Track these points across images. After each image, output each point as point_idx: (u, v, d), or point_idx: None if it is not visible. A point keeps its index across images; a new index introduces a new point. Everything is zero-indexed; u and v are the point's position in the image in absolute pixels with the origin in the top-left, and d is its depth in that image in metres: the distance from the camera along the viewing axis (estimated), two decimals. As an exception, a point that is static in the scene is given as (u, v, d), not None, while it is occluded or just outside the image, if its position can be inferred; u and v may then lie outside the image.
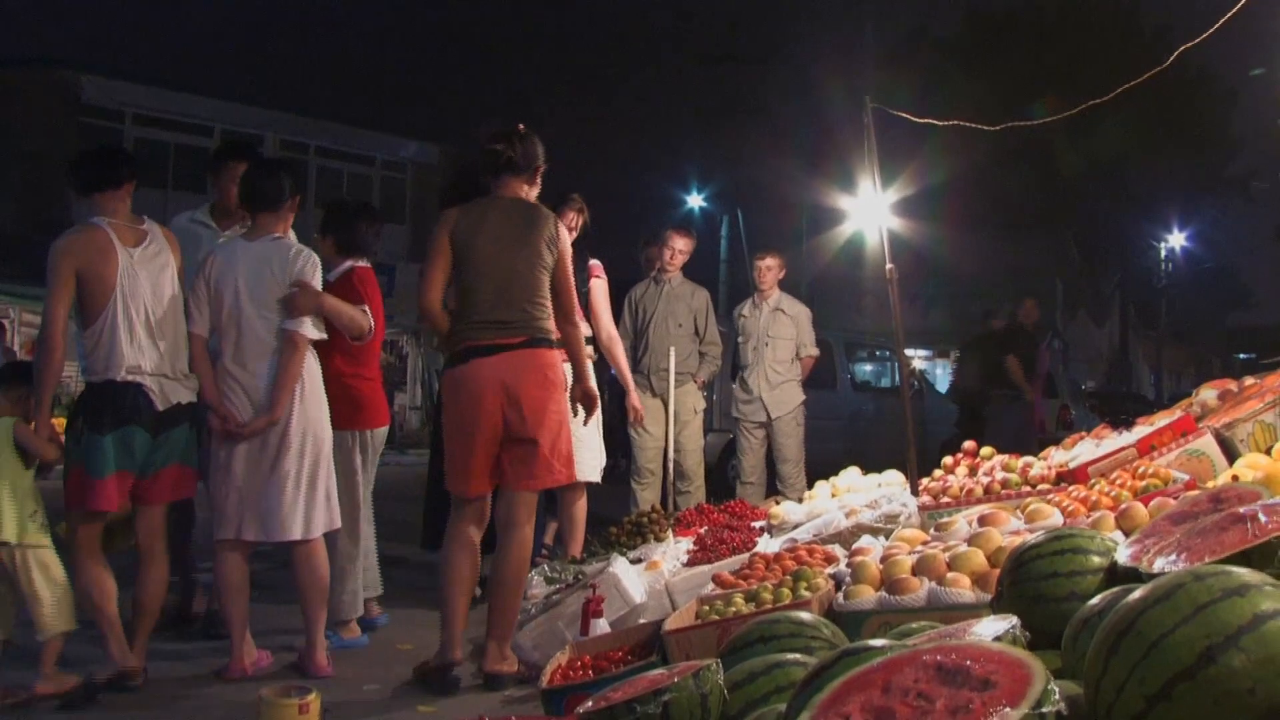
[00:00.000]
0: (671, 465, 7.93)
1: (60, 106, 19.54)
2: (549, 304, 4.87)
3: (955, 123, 5.87)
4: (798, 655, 2.69)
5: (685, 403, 8.12)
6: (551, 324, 4.88)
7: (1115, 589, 2.40)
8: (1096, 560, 2.72)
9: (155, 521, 4.81)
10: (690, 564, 5.63)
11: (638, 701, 2.47)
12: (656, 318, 7.97)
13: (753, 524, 6.28)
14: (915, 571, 3.69)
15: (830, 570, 4.34)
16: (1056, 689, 1.77)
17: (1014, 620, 2.40)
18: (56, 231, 4.79)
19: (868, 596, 3.65)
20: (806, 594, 3.83)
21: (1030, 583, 2.71)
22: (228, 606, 4.88)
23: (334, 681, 4.77)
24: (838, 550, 4.81)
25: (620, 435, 8.54)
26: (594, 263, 6.76)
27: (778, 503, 6.76)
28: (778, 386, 8.44)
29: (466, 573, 4.81)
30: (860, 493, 6.23)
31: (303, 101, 23.61)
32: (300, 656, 4.97)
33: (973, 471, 5.97)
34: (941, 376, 22.69)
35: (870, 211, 6.03)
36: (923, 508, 5.35)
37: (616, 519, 6.59)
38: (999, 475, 5.51)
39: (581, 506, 6.57)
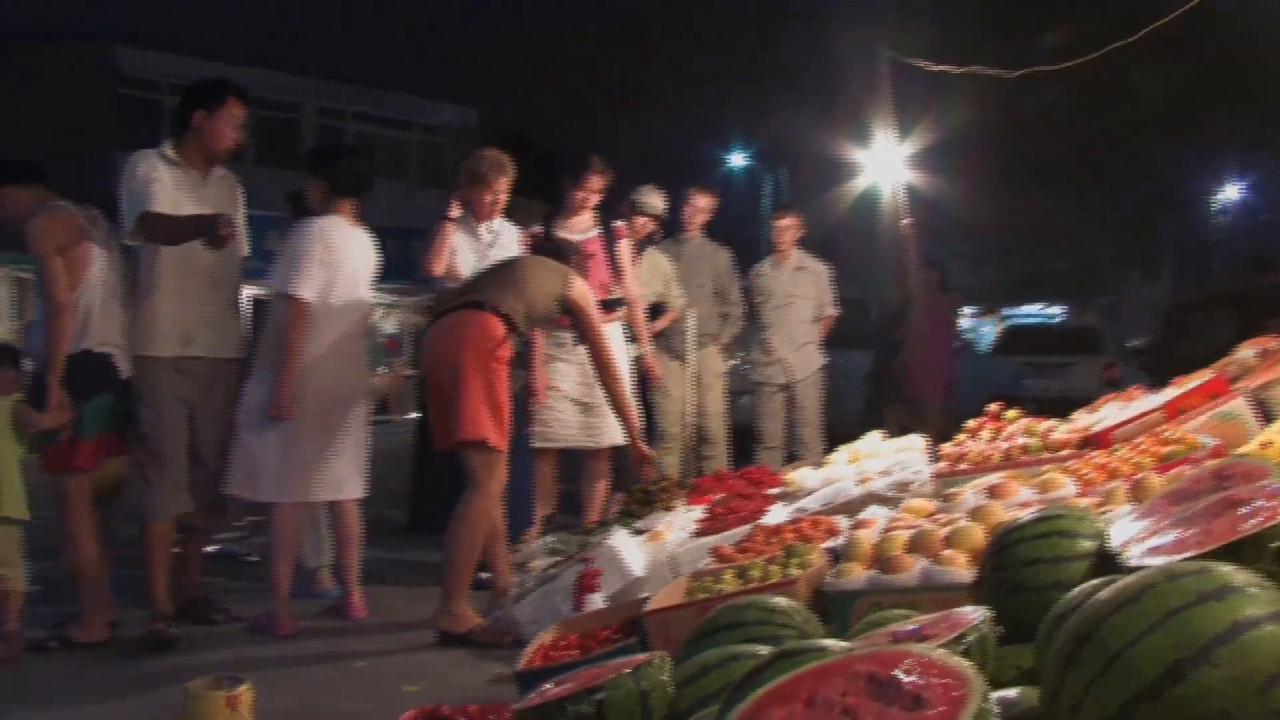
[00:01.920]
0: (693, 430, 7.71)
1: (98, 78, 19.52)
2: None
3: (972, 69, 5.54)
4: (757, 647, 2.44)
5: (708, 365, 7.88)
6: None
7: (1096, 581, 2.11)
8: (1085, 545, 2.42)
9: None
10: (699, 534, 5.39)
11: (569, 700, 2.25)
12: (677, 278, 7.70)
13: (769, 490, 6.04)
14: (910, 548, 3.42)
15: (830, 544, 4.09)
16: (995, 711, 1.51)
17: (983, 614, 2.13)
18: (98, 202, 5.21)
19: (857, 575, 3.38)
20: (796, 571, 3.57)
21: (1010, 569, 2.44)
22: (282, 566, 5.19)
23: (324, 656, 4.73)
24: (842, 522, 4.54)
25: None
26: (618, 225, 6.60)
27: (796, 468, 6.51)
28: (799, 348, 8.15)
29: None
30: (879, 458, 5.94)
31: (338, 67, 23.37)
32: (338, 604, 5.42)
33: (997, 435, 5.68)
34: (987, 335, 22.23)
35: (886, 165, 5.72)
36: (939, 475, 5.07)
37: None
38: (1019, 440, 5.22)
39: (603, 473, 6.37)
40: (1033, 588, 2.38)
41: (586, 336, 5.42)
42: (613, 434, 6.21)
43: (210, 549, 6.15)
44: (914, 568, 3.29)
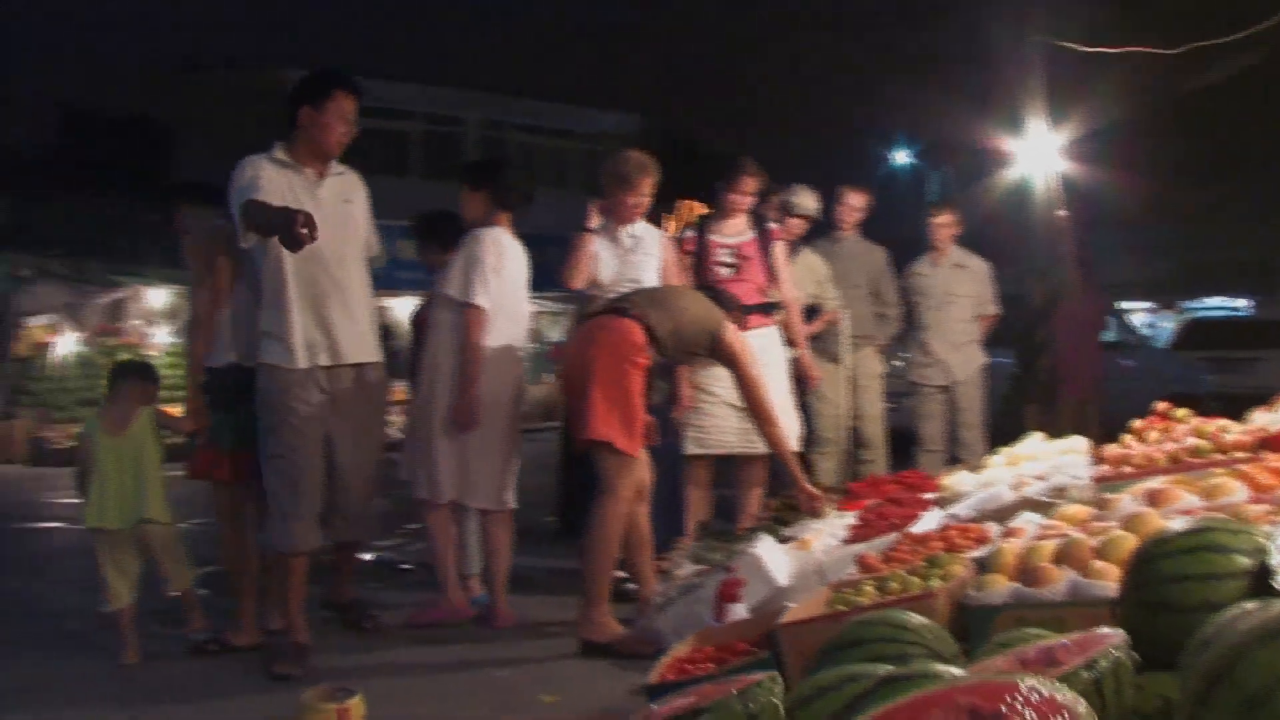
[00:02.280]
0: (849, 433, 7.52)
1: (271, 101, 20.16)
2: None
3: (1129, 49, 5.22)
4: (879, 667, 2.29)
5: (864, 367, 7.70)
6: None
7: (1248, 605, 1.90)
8: (1241, 561, 2.19)
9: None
10: (849, 541, 5.22)
11: (674, 722, 2.15)
12: (831, 278, 7.53)
13: (925, 496, 5.82)
14: (1058, 559, 3.21)
15: (978, 553, 3.88)
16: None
17: (1119, 637, 1.95)
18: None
19: (1000, 588, 3.18)
20: (937, 583, 3.39)
21: (1154, 586, 2.23)
22: (445, 562, 5.45)
23: (466, 663, 4.74)
24: (994, 530, 4.32)
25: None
26: (773, 226, 6.47)
27: (952, 473, 6.27)
28: (960, 348, 7.87)
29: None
30: (1040, 461, 5.66)
31: (499, 80, 23.72)
32: (485, 612, 5.42)
33: (1165, 437, 5.35)
34: (1164, 330, 21.18)
35: (1040, 155, 5.44)
36: (1099, 479, 4.77)
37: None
38: (1188, 441, 4.88)
39: (759, 479, 6.25)
40: (1178, 608, 2.17)
41: (742, 385, 5.31)
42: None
43: (367, 556, 6.26)
44: (1060, 580, 3.08)
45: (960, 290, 7.90)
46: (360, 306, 4.91)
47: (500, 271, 5.32)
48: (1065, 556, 3.19)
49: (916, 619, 2.62)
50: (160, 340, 15.63)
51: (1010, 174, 5.99)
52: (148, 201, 18.72)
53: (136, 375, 5.17)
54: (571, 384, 5.03)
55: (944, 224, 7.87)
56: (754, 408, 5.34)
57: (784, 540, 5.21)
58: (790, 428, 6.00)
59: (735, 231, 6.36)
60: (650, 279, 5.81)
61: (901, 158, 25.05)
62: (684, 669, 3.70)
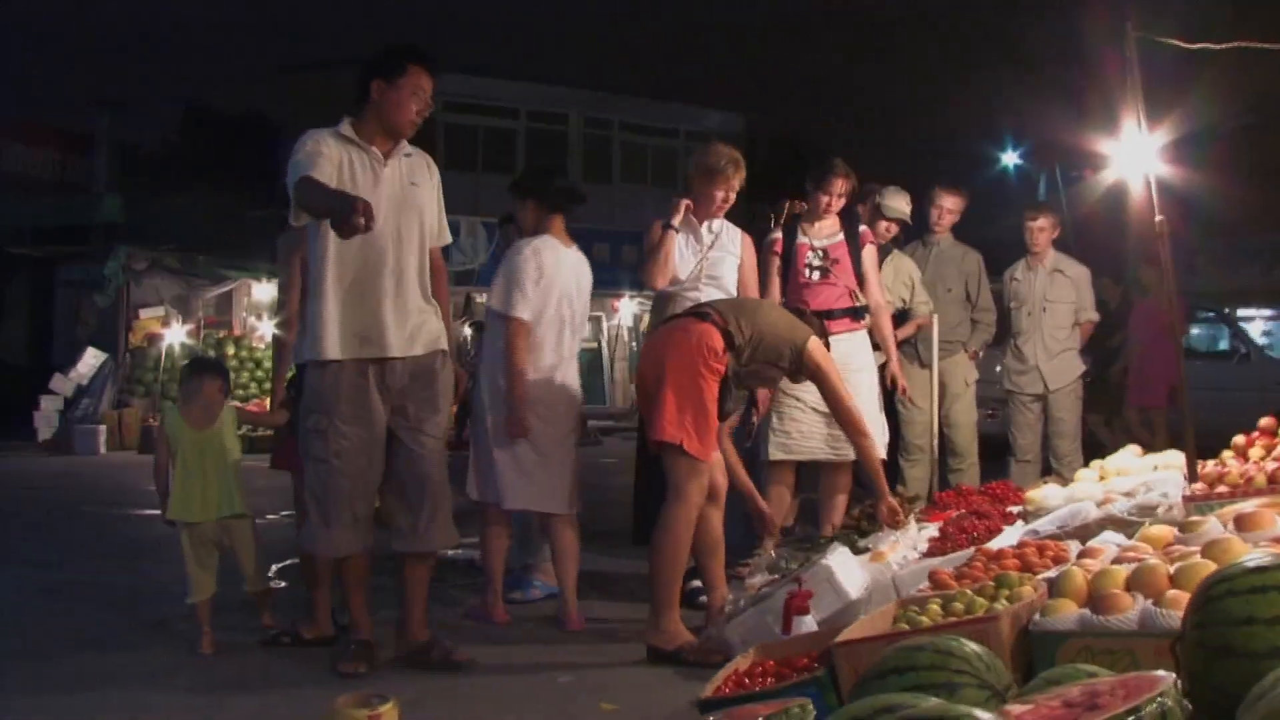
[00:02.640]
0: (935, 441, 7.32)
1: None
2: None
3: (1236, 44, 4.96)
4: (921, 698, 2.17)
5: (955, 374, 7.48)
6: None
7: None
8: (1317, 607, 2.02)
9: None
10: (928, 554, 5.07)
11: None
12: (924, 282, 7.34)
13: (1011, 509, 5.63)
14: (1130, 585, 3.04)
15: (1052, 573, 3.71)
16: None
17: (1170, 681, 1.80)
18: None
19: (1067, 614, 3.02)
20: (1001, 605, 3.24)
21: (1217, 627, 2.06)
22: (492, 561, 5.48)
23: (530, 667, 4.68)
24: (1074, 549, 4.14)
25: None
26: (864, 229, 6.34)
27: (1044, 483, 6.05)
28: (1056, 356, 7.61)
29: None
30: (1131, 475, 5.43)
31: (604, 78, 23.88)
32: (557, 615, 5.39)
33: (1268, 454, 5.09)
34: (1286, 338, 20.29)
35: (1136, 156, 5.20)
36: (1190, 499, 4.55)
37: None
38: (1289, 461, 4.64)
39: (844, 485, 6.14)
40: (1243, 653, 2.00)
41: (830, 399, 5.18)
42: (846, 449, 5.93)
43: (450, 553, 6.27)
44: (1132, 609, 2.91)
45: (1057, 296, 7.65)
46: (416, 296, 4.58)
47: (540, 281, 5.34)
48: (1139, 583, 3.02)
49: (968, 646, 2.48)
50: (265, 333, 15.95)
51: (1107, 177, 5.75)
52: (256, 197, 19.15)
53: (214, 371, 5.26)
54: (645, 386, 4.95)
55: (1041, 227, 7.61)
56: (843, 420, 5.20)
57: (860, 551, 5.09)
58: (878, 436, 5.83)
59: (825, 233, 6.24)
60: (729, 277, 5.73)
61: (1010, 159, 24.45)
62: (742, 683, 3.60)
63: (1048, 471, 7.50)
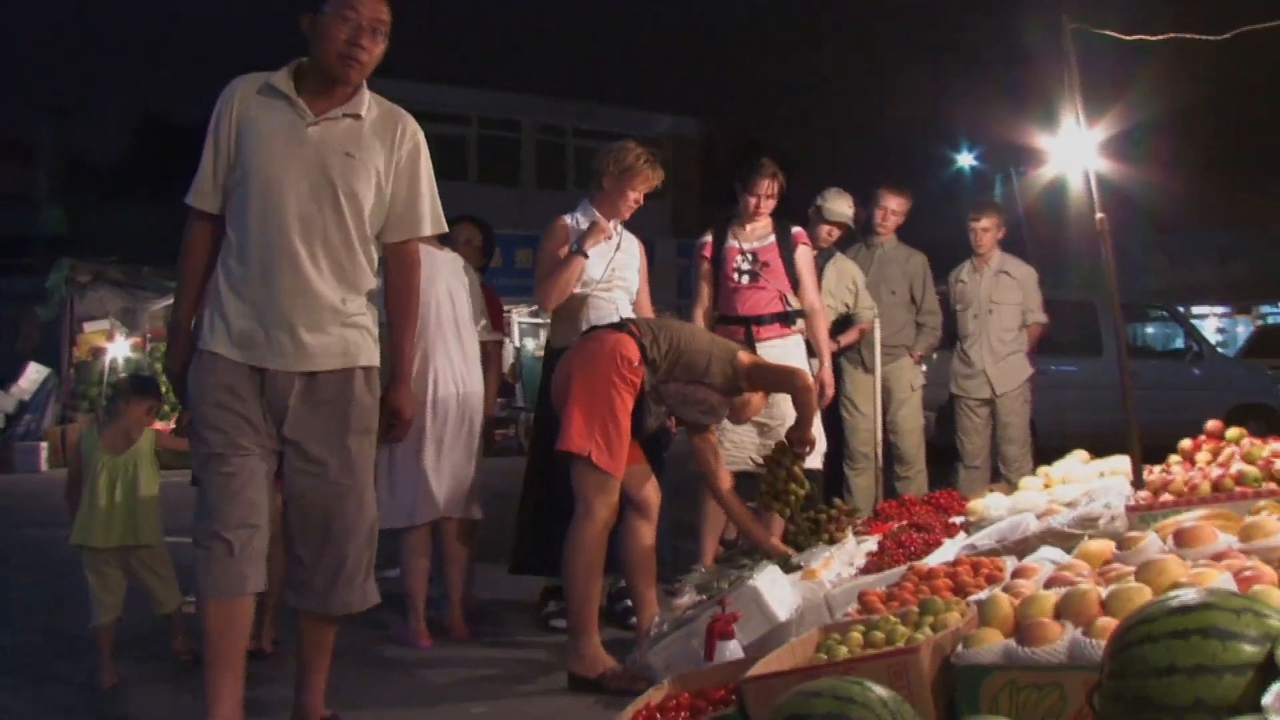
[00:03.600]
0: (883, 449, 7.08)
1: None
2: None
3: (1172, 35, 4.74)
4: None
5: (900, 378, 7.24)
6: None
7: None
8: (1246, 651, 1.75)
9: None
10: (865, 570, 4.81)
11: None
12: (867, 285, 7.10)
13: (955, 519, 5.39)
14: (1059, 612, 2.78)
15: (984, 595, 3.45)
16: None
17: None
18: None
19: (991, 645, 2.75)
20: (921, 635, 2.97)
21: (1134, 678, 1.80)
22: (455, 575, 5.32)
23: (444, 696, 4.41)
24: (1011, 565, 3.88)
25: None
26: (797, 230, 6.06)
27: (989, 492, 5.81)
28: (1004, 359, 7.37)
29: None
30: (1077, 484, 5.20)
31: (557, 83, 23.64)
32: (441, 620, 5.27)
33: (1215, 459, 4.86)
34: (1242, 335, 20.27)
35: (1075, 152, 4.98)
36: (1133, 508, 4.31)
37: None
38: (1236, 467, 4.40)
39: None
40: (1162, 706, 1.74)
41: (775, 383, 5.01)
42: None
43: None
44: (1060, 639, 2.64)
45: (1004, 298, 7.41)
46: (331, 295, 3.51)
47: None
48: (1068, 610, 2.75)
49: (873, 692, 2.21)
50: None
51: (1045, 174, 5.54)
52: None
53: (142, 392, 4.96)
54: (556, 395, 4.68)
55: (985, 227, 7.37)
56: (786, 382, 4.99)
57: (793, 568, 4.82)
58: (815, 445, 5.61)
59: (756, 236, 5.98)
60: (634, 281, 5.50)
61: (965, 160, 24.36)
62: (653, 717, 3.32)
63: (997, 478, 7.28)
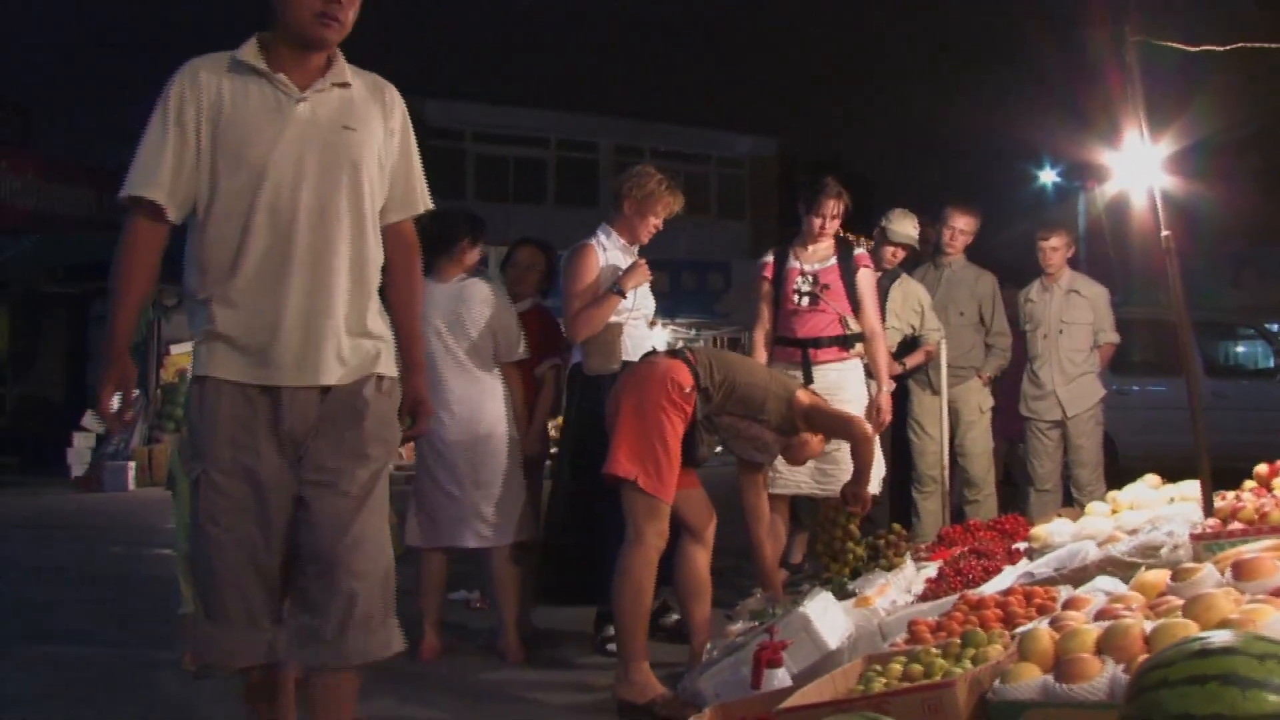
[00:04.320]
0: (950, 472, 6.93)
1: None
2: None
3: (1240, 45, 4.59)
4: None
5: (968, 400, 7.09)
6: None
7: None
8: (1270, 701, 1.64)
9: None
10: (922, 597, 4.71)
11: None
12: (935, 306, 6.98)
13: (1019, 545, 5.24)
14: (1101, 648, 2.67)
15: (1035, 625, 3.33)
16: None
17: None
18: None
19: (1029, 681, 2.65)
20: (960, 669, 2.87)
21: (1150, 723, 1.71)
22: (507, 599, 5.29)
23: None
24: (1066, 595, 3.75)
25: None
26: (860, 253, 6.00)
27: (1056, 517, 5.64)
28: (1074, 380, 7.18)
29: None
30: (1145, 509, 5.03)
31: (635, 105, 23.61)
32: (500, 645, 5.26)
33: (1293, 486, 4.66)
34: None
35: (1138, 168, 4.83)
36: (1198, 537, 4.14)
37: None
38: (1311, 495, 4.22)
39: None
40: (1176, 754, 1.64)
41: (833, 428, 4.97)
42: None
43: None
44: (1100, 675, 2.53)
45: (1074, 318, 7.23)
46: (346, 295, 3.11)
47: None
48: (1110, 645, 2.64)
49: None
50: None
51: (1108, 190, 5.40)
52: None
53: None
54: (609, 423, 4.65)
55: (1054, 247, 7.20)
56: (846, 432, 4.99)
57: (847, 595, 4.73)
58: (875, 469, 5.48)
59: (818, 258, 5.92)
60: (652, 308, 5.50)
61: (1048, 177, 23.92)
62: (692, 748, 3.26)
63: (1069, 502, 7.08)
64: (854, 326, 5.87)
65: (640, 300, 5.35)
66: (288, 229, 3.02)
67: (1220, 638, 1.86)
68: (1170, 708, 1.73)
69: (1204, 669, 1.76)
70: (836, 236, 5.99)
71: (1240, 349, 14.22)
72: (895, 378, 6.73)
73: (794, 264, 5.91)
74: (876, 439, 5.55)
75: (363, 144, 3.13)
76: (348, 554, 3.03)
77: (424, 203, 3.37)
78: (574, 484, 5.19)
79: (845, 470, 5.51)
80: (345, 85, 3.15)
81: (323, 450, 3.07)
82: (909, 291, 6.86)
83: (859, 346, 5.89)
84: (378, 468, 3.15)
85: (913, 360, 6.84)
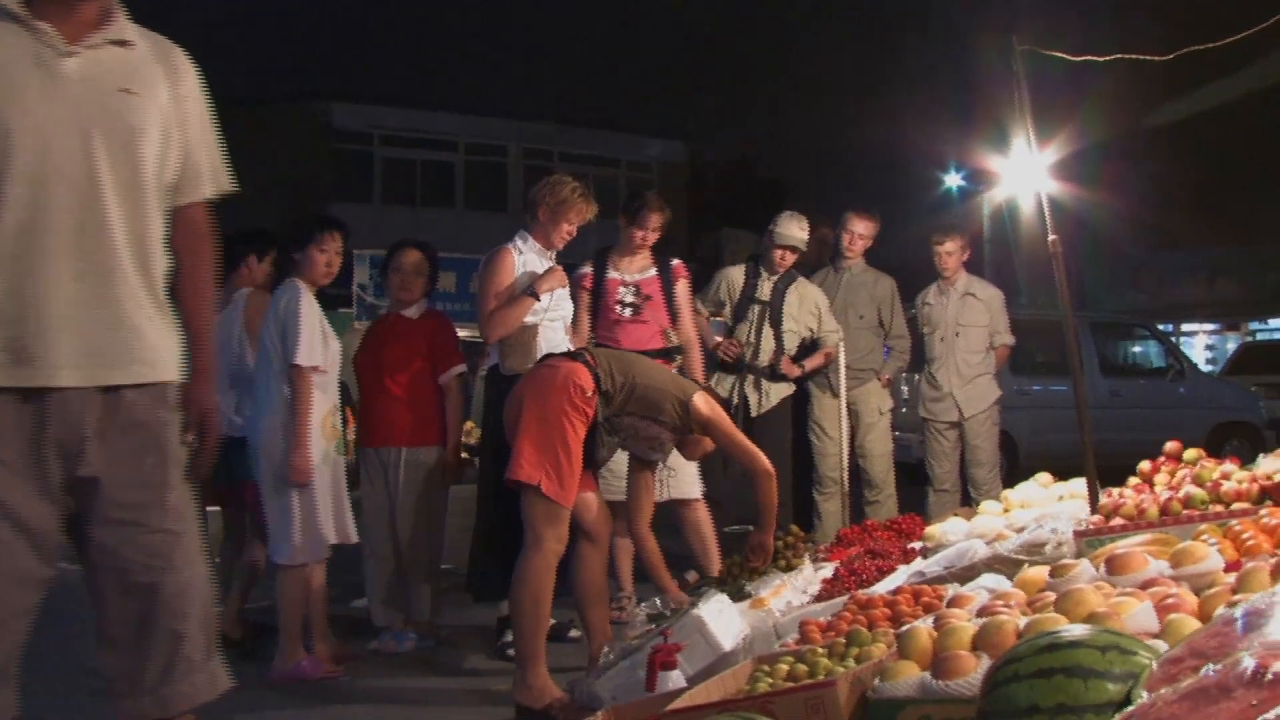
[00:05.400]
0: (845, 474, 7.02)
1: (313, 134, 20.22)
2: None
3: (1119, 56, 4.72)
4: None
5: (868, 402, 7.20)
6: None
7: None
8: (1110, 690, 1.71)
9: None
10: (819, 598, 4.75)
11: None
12: (835, 310, 7.06)
13: (915, 544, 5.32)
14: (977, 644, 2.72)
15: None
16: None
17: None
18: None
19: (908, 678, 2.69)
20: (842, 668, 2.91)
21: (1001, 717, 1.75)
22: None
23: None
24: (953, 594, 3.82)
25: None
26: (676, 263, 6.08)
27: (951, 517, 5.74)
28: (971, 381, 7.31)
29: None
30: (1036, 507, 5.14)
31: (544, 108, 23.61)
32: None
33: (1170, 482, 4.80)
34: (1228, 352, 20.22)
35: (1026, 174, 4.96)
36: (1081, 533, 4.24)
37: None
38: (1184, 490, 4.35)
39: (698, 521, 5.82)
40: (1023, 749, 1.68)
41: (727, 448, 4.89)
42: (682, 486, 5.75)
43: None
44: (974, 671, 2.57)
45: (970, 320, 7.36)
46: (127, 282, 2.63)
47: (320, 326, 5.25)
48: (985, 642, 2.69)
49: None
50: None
51: (997, 195, 5.54)
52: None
53: None
54: (509, 426, 4.63)
55: (949, 251, 7.32)
56: (746, 463, 4.88)
57: (743, 596, 4.76)
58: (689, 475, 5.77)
59: (637, 268, 5.97)
60: (570, 311, 5.55)
61: (953, 180, 24.36)
62: (583, 753, 3.26)
63: (967, 502, 7.21)
64: (674, 339, 5.97)
65: (556, 303, 5.37)
66: (50, 203, 2.52)
67: (1070, 631, 1.92)
68: (1019, 700, 1.77)
69: (1051, 662, 1.81)
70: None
71: (1136, 349, 14.59)
72: (795, 380, 6.82)
73: (614, 274, 5.95)
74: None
75: (144, 110, 2.66)
76: (166, 593, 2.61)
77: (220, 183, 2.88)
78: (500, 484, 5.14)
79: (682, 475, 5.69)
80: (125, 44, 2.66)
81: (120, 482, 2.59)
82: (805, 294, 6.88)
83: (679, 359, 5.97)
84: (183, 487, 2.71)
85: (812, 363, 6.89)
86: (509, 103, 23.16)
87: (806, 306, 6.84)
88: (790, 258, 6.70)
